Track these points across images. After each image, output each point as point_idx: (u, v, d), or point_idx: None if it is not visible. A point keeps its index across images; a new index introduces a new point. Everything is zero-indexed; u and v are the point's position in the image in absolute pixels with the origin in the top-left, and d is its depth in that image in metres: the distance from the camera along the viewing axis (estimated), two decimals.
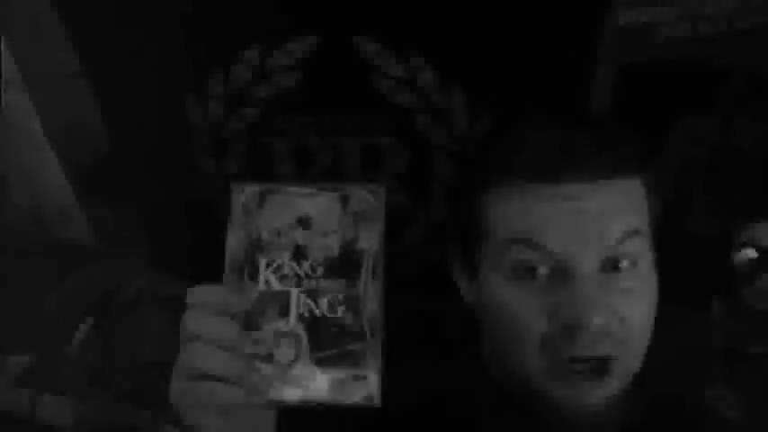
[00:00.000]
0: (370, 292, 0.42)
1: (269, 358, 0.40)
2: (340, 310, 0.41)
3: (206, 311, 0.39)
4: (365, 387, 0.40)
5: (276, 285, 0.42)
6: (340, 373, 0.40)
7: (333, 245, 0.42)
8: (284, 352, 0.40)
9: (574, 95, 0.85)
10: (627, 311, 0.47)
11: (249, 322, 0.41)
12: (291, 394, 0.40)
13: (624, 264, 0.47)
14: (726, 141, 0.87)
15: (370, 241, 0.42)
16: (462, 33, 0.83)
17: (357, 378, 0.40)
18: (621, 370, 0.48)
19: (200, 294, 0.40)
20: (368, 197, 0.43)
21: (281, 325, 0.41)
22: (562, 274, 0.46)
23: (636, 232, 0.47)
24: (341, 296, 0.41)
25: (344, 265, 0.42)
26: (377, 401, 0.40)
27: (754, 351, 0.85)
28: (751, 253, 0.84)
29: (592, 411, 0.50)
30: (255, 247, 0.42)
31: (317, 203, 0.43)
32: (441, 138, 0.91)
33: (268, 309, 0.41)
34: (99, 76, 0.91)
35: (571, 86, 0.84)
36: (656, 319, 0.51)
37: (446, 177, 0.94)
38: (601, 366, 0.47)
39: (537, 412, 0.52)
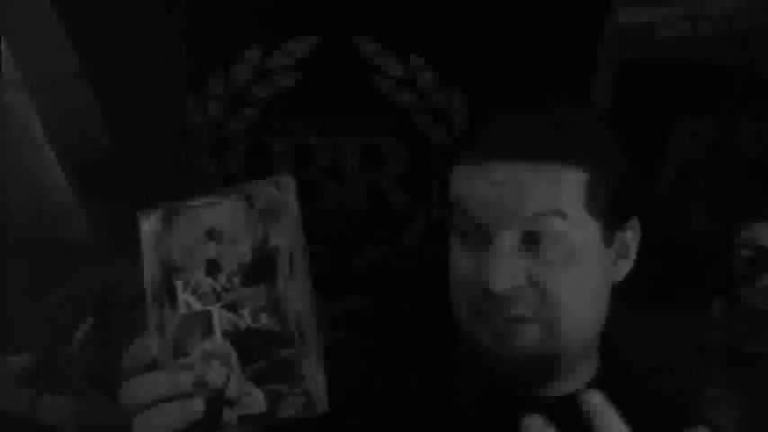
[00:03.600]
0: (291, 291, 0.39)
1: (201, 384, 0.38)
2: (264, 318, 0.39)
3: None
4: (304, 395, 0.38)
5: (196, 305, 0.40)
6: (275, 385, 0.39)
7: (245, 251, 0.40)
8: (216, 373, 0.39)
9: (574, 96, 0.85)
10: (549, 281, 0.50)
11: (177, 349, 0.39)
12: (229, 416, 0.38)
13: (545, 240, 0.50)
14: (726, 141, 0.87)
15: (281, 237, 0.40)
16: (462, 33, 0.83)
17: (293, 387, 0.38)
18: (545, 333, 0.51)
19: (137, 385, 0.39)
20: (272, 191, 0.41)
21: (207, 346, 0.39)
22: (484, 239, 0.51)
23: (557, 212, 0.50)
24: (262, 303, 0.39)
25: (260, 268, 0.40)
26: (320, 409, 0.38)
27: (754, 351, 0.85)
28: (751, 253, 0.84)
29: (519, 364, 0.52)
30: (170, 270, 0.41)
31: (222, 212, 0.41)
32: (441, 138, 0.91)
33: (193, 331, 0.39)
34: (99, 76, 0.91)
35: (571, 86, 0.84)
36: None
37: (446, 177, 0.94)
38: (515, 320, 0.51)
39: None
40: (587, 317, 0.53)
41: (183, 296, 0.40)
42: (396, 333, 0.63)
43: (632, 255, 0.57)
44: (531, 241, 0.50)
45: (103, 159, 0.97)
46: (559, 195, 0.50)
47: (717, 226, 0.91)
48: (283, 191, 0.41)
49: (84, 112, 0.93)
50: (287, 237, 0.40)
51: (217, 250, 0.40)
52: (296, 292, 0.39)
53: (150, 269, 0.41)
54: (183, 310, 0.40)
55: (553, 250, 0.50)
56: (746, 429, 0.82)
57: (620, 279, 0.56)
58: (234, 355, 0.39)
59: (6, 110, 0.95)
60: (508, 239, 0.50)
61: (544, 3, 0.79)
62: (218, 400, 0.38)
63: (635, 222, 0.56)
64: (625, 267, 0.56)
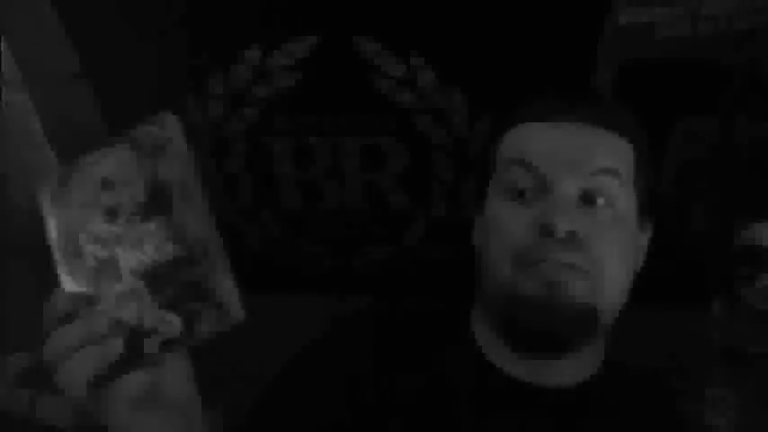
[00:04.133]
0: (190, 217, 0.41)
1: (119, 324, 0.40)
2: (169, 247, 0.41)
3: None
4: (216, 308, 0.40)
5: (102, 254, 0.42)
6: (191, 306, 0.40)
7: (138, 191, 0.42)
8: (129, 311, 0.40)
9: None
10: (600, 242, 0.52)
11: (91, 300, 0.41)
12: (150, 346, 0.40)
13: (600, 201, 0.53)
14: (726, 141, 0.87)
15: (171, 171, 0.41)
16: (462, 34, 0.83)
17: (206, 303, 0.40)
18: (591, 290, 0.52)
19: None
20: (153, 130, 0.42)
21: (117, 288, 0.41)
22: (543, 189, 0.53)
23: (614, 172, 0.53)
24: (164, 234, 0.41)
25: (155, 203, 0.41)
26: (234, 318, 0.40)
27: (754, 351, 0.85)
28: (751, 253, 0.84)
29: (560, 318, 0.52)
30: (73, 227, 0.43)
31: (110, 161, 0.43)
32: (441, 138, 0.91)
33: (103, 279, 0.41)
34: (99, 76, 0.91)
35: (571, 86, 0.84)
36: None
37: (446, 177, 0.94)
38: (568, 265, 0.52)
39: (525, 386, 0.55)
40: (621, 282, 0.55)
41: (88, 247, 0.42)
42: (396, 333, 0.62)
43: (642, 257, 0.59)
44: (587, 200, 0.53)
45: None
46: (618, 158, 0.54)
47: (717, 226, 0.91)
48: (167, 128, 0.42)
49: (85, 112, 0.93)
50: (176, 169, 0.41)
51: (112, 198, 0.42)
52: (195, 216, 0.41)
53: (54, 231, 0.43)
54: (90, 261, 0.42)
55: (606, 212, 0.53)
56: (746, 429, 0.82)
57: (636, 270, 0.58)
58: (144, 290, 0.41)
59: (6, 110, 0.95)
60: (572, 189, 0.53)
61: (544, 3, 0.79)
62: (136, 335, 0.40)
63: (649, 229, 0.60)
64: (639, 262, 0.59)
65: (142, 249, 0.41)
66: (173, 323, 0.40)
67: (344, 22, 0.84)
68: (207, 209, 0.41)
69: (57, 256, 0.43)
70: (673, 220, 0.92)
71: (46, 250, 0.43)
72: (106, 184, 0.43)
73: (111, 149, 0.43)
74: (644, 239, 0.59)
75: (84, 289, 0.41)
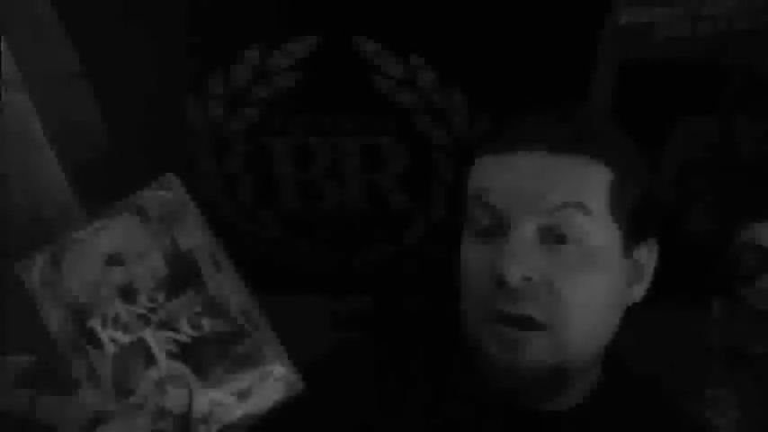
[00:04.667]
0: (225, 286, 0.37)
1: (162, 414, 0.35)
2: (206, 323, 0.37)
3: None
4: (279, 381, 0.36)
5: (124, 339, 0.37)
6: (242, 383, 0.36)
7: (157, 264, 0.37)
8: (175, 398, 0.36)
9: (574, 95, 0.85)
10: (563, 287, 0.48)
11: (120, 392, 0.36)
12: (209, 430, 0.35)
13: (568, 239, 0.48)
14: (726, 141, 0.87)
15: (192, 238, 0.37)
16: (462, 33, 0.83)
17: (264, 377, 0.36)
18: (553, 346, 0.48)
19: None
20: (163, 195, 0.38)
21: (153, 374, 0.36)
22: (501, 229, 0.49)
23: (578, 205, 0.48)
24: (198, 309, 0.37)
25: (181, 276, 0.37)
26: (297, 389, 0.36)
27: (754, 351, 0.85)
28: (751, 253, 0.84)
29: (526, 379, 0.50)
30: (79, 313, 0.37)
31: (114, 234, 0.38)
32: (441, 138, 0.91)
33: (131, 366, 0.36)
34: (99, 76, 0.91)
35: (571, 86, 0.84)
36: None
37: (446, 177, 0.94)
38: (524, 323, 0.48)
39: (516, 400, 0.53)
40: (598, 329, 0.51)
41: (106, 333, 0.37)
42: (396, 333, 0.62)
43: (647, 278, 0.54)
44: (550, 238, 0.48)
45: (104, 160, 0.97)
46: (584, 189, 0.48)
47: (717, 226, 0.91)
48: (174, 191, 0.39)
49: (84, 112, 0.93)
50: (197, 235, 0.38)
51: (124, 274, 0.37)
52: (230, 285, 0.37)
53: (55, 320, 0.37)
54: (111, 348, 0.37)
55: (572, 251, 0.48)
56: (746, 429, 0.82)
57: (632, 302, 0.54)
58: (187, 371, 0.36)
59: (6, 110, 0.95)
60: (528, 230, 0.48)
61: (544, 3, 0.79)
62: (187, 424, 0.36)
63: (653, 244, 0.54)
64: (639, 291, 0.54)
65: (175, 328, 0.37)
66: (229, 405, 0.36)
67: (344, 22, 0.84)
68: (238, 277, 0.37)
69: (63, 350, 0.37)
70: (673, 220, 0.92)
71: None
72: (113, 260, 0.38)
73: (111, 220, 0.38)
74: (643, 259, 0.53)
75: (109, 382, 0.36)
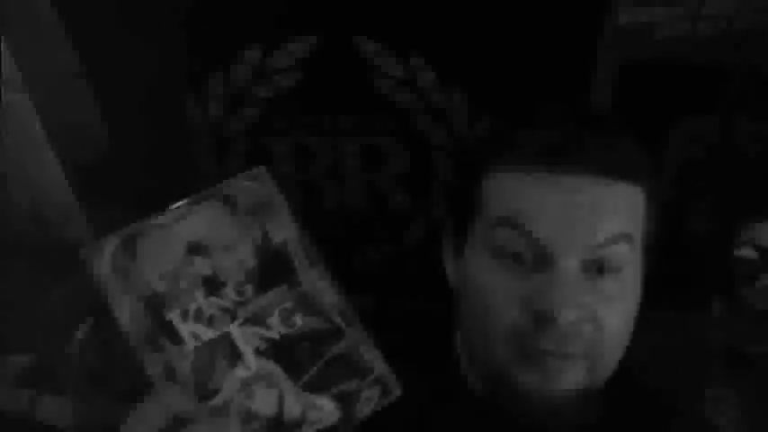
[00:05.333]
0: (319, 282, 0.35)
1: (250, 417, 0.32)
2: (298, 319, 0.34)
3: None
4: (378, 384, 0.34)
5: (207, 333, 0.34)
6: (342, 386, 0.34)
7: (246, 256, 0.35)
8: (264, 400, 0.33)
9: (574, 95, 0.85)
10: (605, 318, 0.46)
11: (201, 392, 0.33)
12: None
13: (608, 269, 0.46)
14: (726, 141, 0.87)
15: (284, 230, 0.36)
16: (462, 34, 0.83)
17: (363, 379, 0.34)
18: (590, 371, 0.47)
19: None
20: (252, 185, 0.37)
21: (239, 372, 0.33)
22: (543, 262, 0.45)
23: (626, 237, 0.46)
24: (289, 304, 0.35)
25: (271, 268, 0.35)
26: (395, 393, 0.34)
27: (754, 351, 0.85)
28: (751, 253, 0.84)
29: (558, 404, 0.48)
30: (156, 305, 0.34)
31: (198, 222, 0.35)
32: (441, 138, 0.91)
33: (214, 363, 0.33)
34: (99, 76, 0.91)
35: (571, 86, 0.84)
36: (644, 322, 0.50)
37: (446, 177, 0.94)
38: (567, 355, 0.46)
39: (506, 412, 0.50)
40: (622, 345, 0.49)
41: (186, 327, 0.34)
42: (396, 333, 0.62)
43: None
44: (593, 269, 0.45)
45: (104, 160, 0.97)
46: (631, 218, 0.46)
47: (717, 226, 0.91)
48: (264, 183, 0.37)
49: (84, 112, 0.93)
50: (291, 228, 0.36)
51: (208, 265, 0.35)
52: (324, 282, 0.35)
53: (126, 311, 0.34)
54: (191, 343, 0.34)
55: (612, 279, 0.46)
56: (746, 429, 0.82)
57: None
58: (278, 371, 0.34)
59: (6, 110, 0.95)
60: (574, 265, 0.44)
61: (544, 3, 0.79)
62: (278, 428, 0.33)
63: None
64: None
65: (264, 324, 0.34)
66: (325, 408, 0.33)
67: (344, 22, 0.84)
68: (332, 277, 0.35)
69: (136, 344, 0.34)
70: (673, 220, 0.92)
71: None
72: (197, 249, 0.35)
73: (195, 207, 0.35)
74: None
75: (190, 380, 0.33)
